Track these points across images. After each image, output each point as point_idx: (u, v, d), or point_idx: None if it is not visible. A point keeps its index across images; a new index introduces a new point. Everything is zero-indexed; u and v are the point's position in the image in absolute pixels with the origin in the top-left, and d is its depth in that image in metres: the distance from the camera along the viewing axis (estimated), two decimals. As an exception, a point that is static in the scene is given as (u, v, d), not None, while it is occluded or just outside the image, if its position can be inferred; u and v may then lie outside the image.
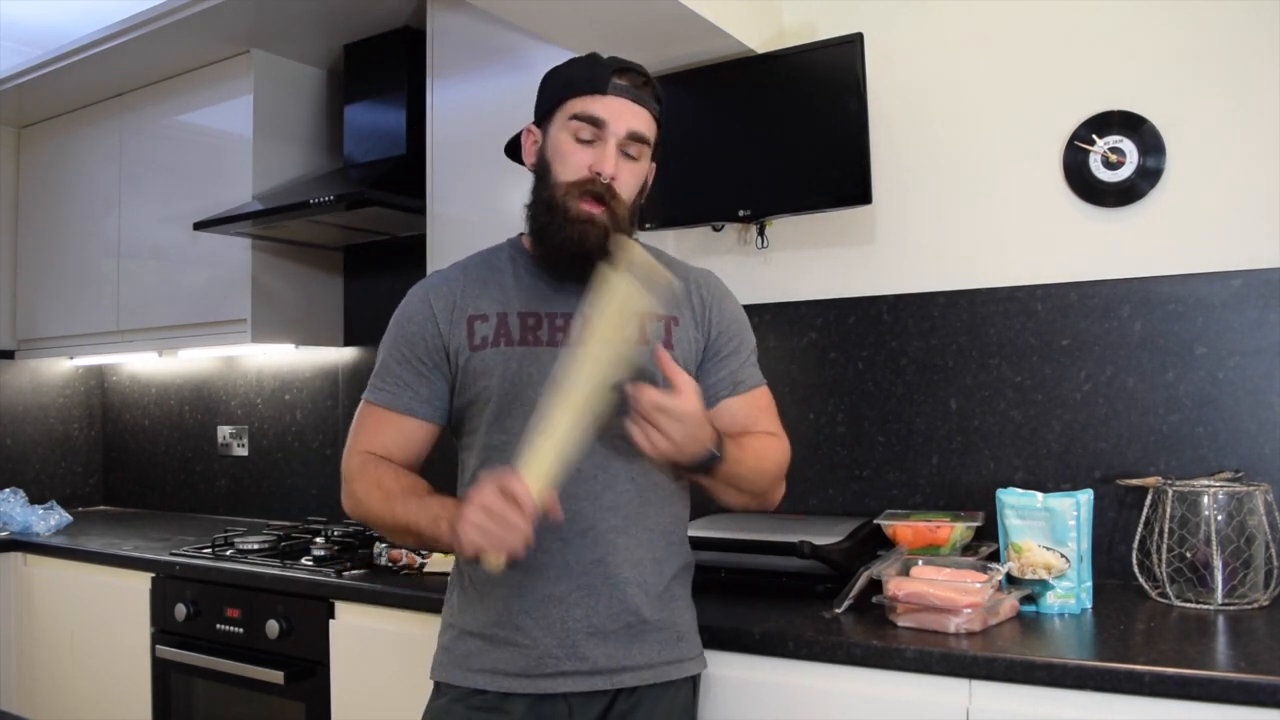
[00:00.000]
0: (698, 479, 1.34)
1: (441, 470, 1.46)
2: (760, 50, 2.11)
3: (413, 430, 1.41)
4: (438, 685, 1.42)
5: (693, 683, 1.45)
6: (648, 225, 2.13)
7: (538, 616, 1.33)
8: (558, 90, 1.37)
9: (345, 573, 2.10)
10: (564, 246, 1.33)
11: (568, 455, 1.21)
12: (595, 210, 1.32)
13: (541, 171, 1.38)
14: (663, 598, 1.39)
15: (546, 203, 1.35)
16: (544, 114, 1.39)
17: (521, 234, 1.47)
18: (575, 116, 1.34)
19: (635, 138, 1.35)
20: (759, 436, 1.44)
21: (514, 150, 1.47)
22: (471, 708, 1.35)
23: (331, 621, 2.05)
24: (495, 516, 1.17)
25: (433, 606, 1.86)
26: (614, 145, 1.33)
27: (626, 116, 1.34)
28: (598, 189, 1.32)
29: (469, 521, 1.18)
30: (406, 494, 1.34)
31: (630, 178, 1.36)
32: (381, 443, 1.41)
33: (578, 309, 1.37)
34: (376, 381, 1.43)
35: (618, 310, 1.23)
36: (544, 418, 1.21)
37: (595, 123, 1.33)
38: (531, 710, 1.34)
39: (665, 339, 1.40)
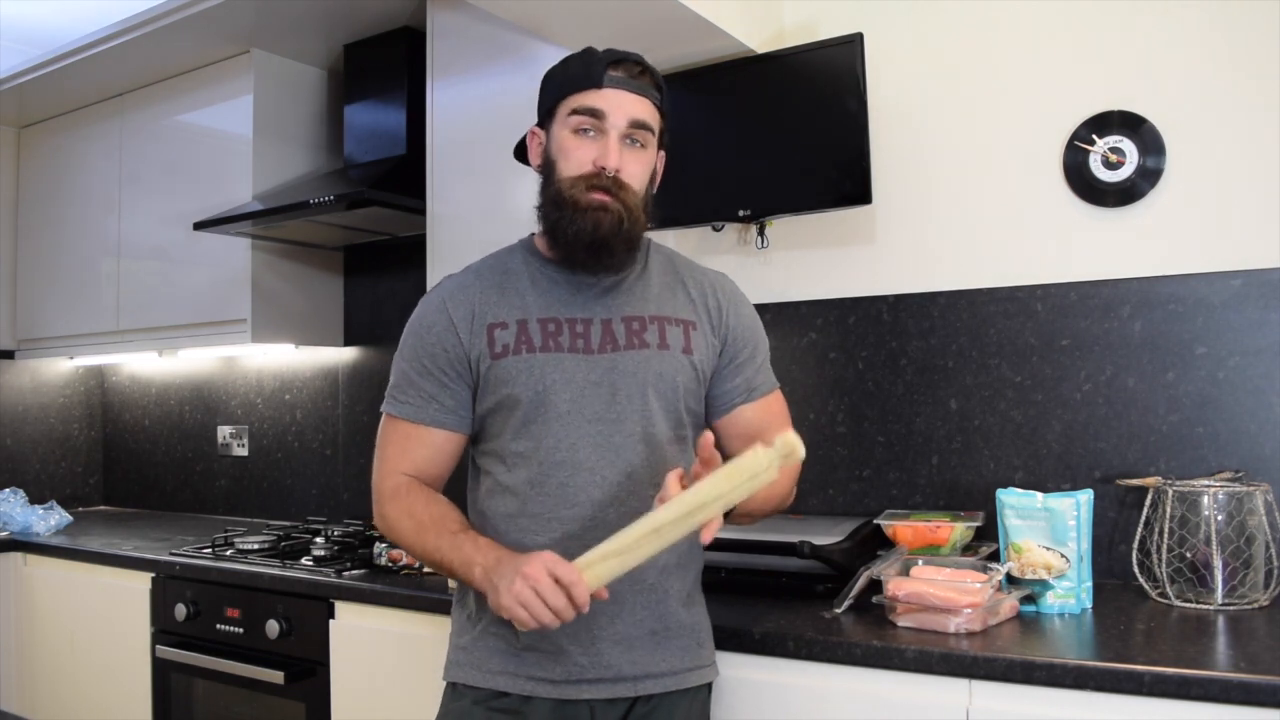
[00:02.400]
0: None
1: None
2: (760, 50, 2.11)
3: (442, 443, 1.40)
4: (453, 686, 1.40)
5: (709, 688, 1.46)
6: (648, 225, 2.13)
7: (565, 626, 1.30)
8: (556, 89, 1.37)
9: (345, 573, 2.10)
10: (579, 238, 1.32)
11: (628, 568, 1.21)
12: (605, 199, 1.32)
13: (547, 170, 1.38)
14: (687, 602, 1.40)
15: (554, 199, 1.35)
16: (545, 114, 1.39)
17: (532, 235, 1.46)
18: (575, 111, 1.33)
19: (638, 125, 1.34)
20: None
21: (522, 153, 1.47)
22: (493, 710, 1.35)
23: (331, 621, 2.05)
24: (542, 600, 1.18)
25: (433, 606, 1.86)
26: (616, 137, 1.33)
27: (627, 106, 1.33)
28: (604, 182, 1.32)
29: (515, 595, 1.19)
30: (439, 526, 1.33)
31: (638, 167, 1.35)
32: (412, 459, 1.39)
33: (596, 313, 1.37)
34: (397, 394, 1.40)
35: (745, 482, 1.18)
36: (627, 529, 1.20)
37: (595, 114, 1.32)
38: (554, 713, 1.34)
39: (684, 344, 1.40)
